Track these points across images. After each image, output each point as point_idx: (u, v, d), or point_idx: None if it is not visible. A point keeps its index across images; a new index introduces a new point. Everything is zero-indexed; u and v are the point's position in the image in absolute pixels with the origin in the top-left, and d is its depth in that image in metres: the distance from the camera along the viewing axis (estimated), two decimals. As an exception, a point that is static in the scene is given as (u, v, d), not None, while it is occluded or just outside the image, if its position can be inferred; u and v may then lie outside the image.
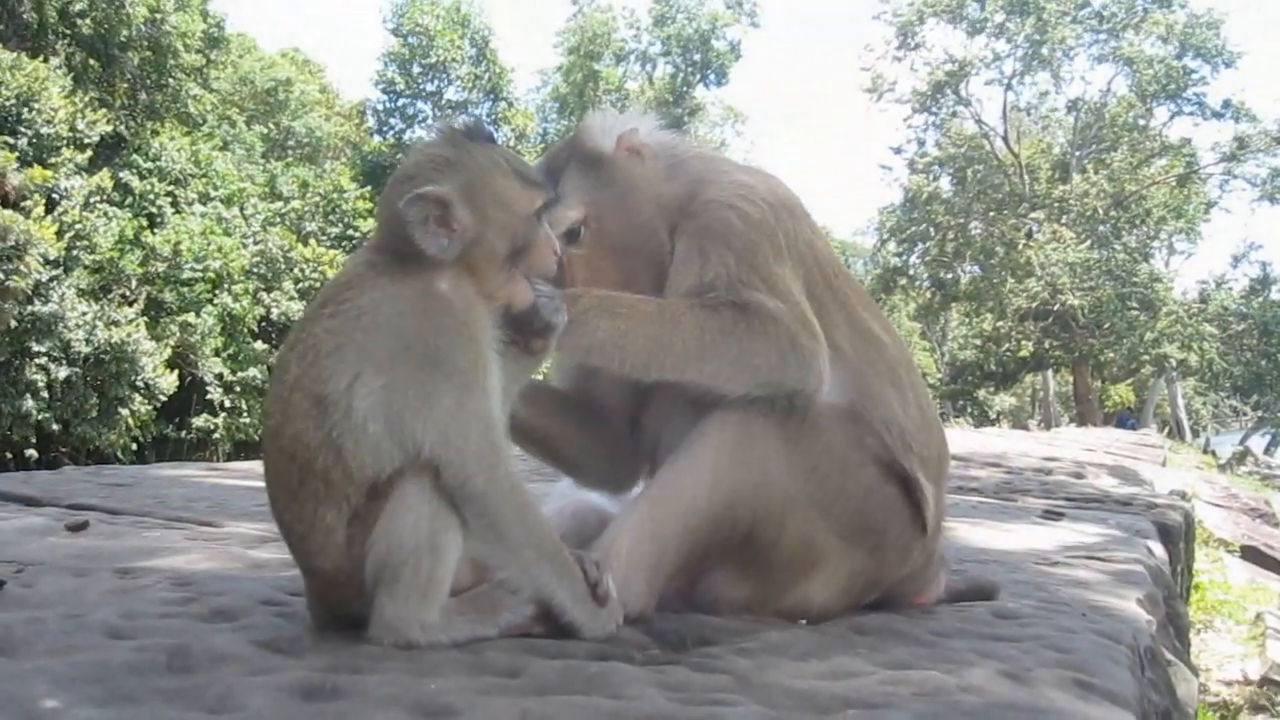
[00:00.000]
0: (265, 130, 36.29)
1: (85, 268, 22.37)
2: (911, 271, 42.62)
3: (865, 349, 2.35)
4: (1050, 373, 44.68)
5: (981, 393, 45.69)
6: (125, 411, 22.04)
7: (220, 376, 24.89)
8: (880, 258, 43.47)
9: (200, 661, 1.71)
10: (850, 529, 2.23)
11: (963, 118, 41.86)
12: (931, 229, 40.71)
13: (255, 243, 26.96)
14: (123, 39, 26.05)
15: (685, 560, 2.16)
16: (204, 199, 27.17)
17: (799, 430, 2.17)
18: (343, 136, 40.53)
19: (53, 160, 21.62)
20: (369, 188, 31.43)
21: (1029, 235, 38.30)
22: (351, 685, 1.61)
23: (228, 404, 25.07)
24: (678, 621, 2.12)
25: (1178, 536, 5.25)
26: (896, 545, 2.30)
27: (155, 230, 24.94)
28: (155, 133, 27.31)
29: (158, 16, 26.38)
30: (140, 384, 22.20)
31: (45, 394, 20.71)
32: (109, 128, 24.31)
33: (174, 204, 26.21)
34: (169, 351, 23.44)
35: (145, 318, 23.48)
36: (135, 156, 26.13)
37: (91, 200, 22.70)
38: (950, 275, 41.93)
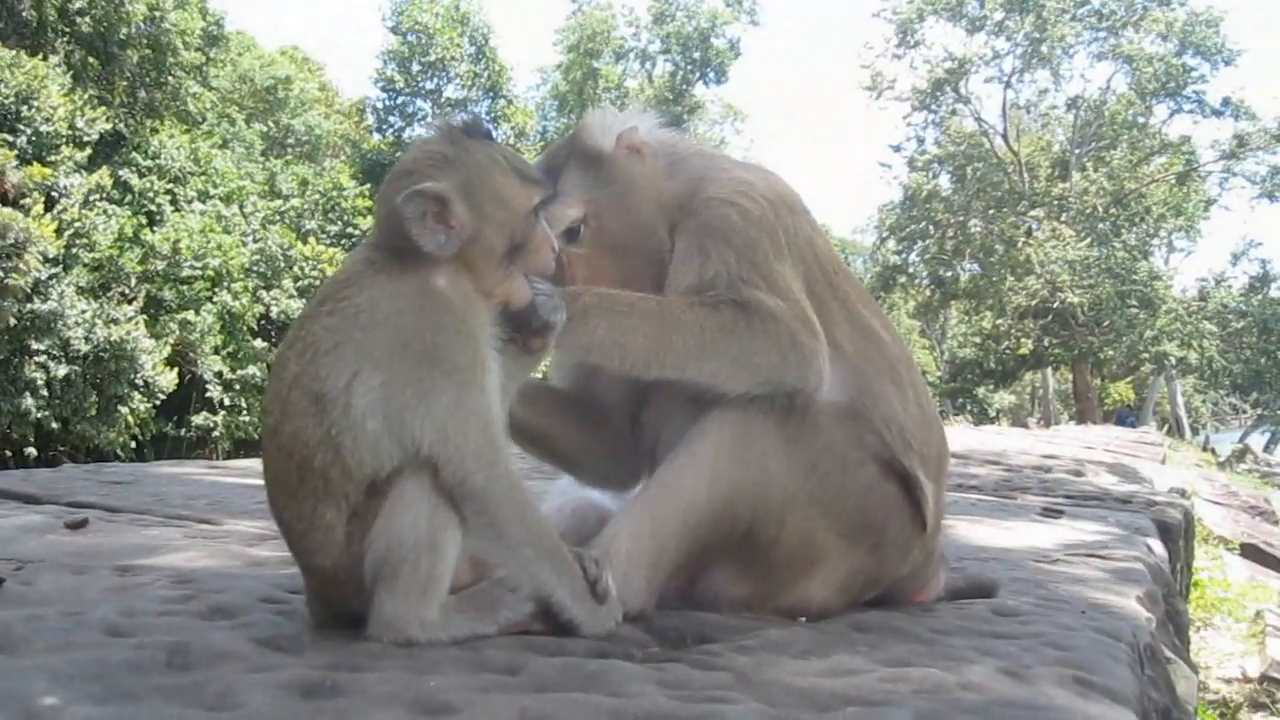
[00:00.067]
0: (265, 128, 36.26)
1: (84, 266, 22.37)
2: (911, 269, 42.65)
3: (865, 347, 2.35)
4: (1050, 370, 44.70)
5: (981, 390, 45.73)
6: (124, 409, 22.04)
7: (219, 374, 24.89)
8: (880, 255, 43.49)
9: (199, 659, 1.71)
10: (850, 527, 2.23)
11: (962, 115, 41.88)
12: (931, 227, 40.72)
13: (255, 241, 26.96)
14: (122, 37, 26.04)
15: (685, 558, 2.16)
16: (203, 197, 27.16)
17: (799, 428, 2.17)
18: (342, 134, 40.52)
19: (52, 158, 21.61)
20: (368, 186, 31.42)
21: (1028, 233, 38.31)
22: (351, 683, 1.61)
23: (227, 402, 25.08)
24: (677, 619, 2.12)
25: (1177, 534, 5.25)
26: (896, 543, 2.30)
27: (154, 228, 24.93)
28: (154, 130, 27.30)
29: (157, 14, 26.37)
30: (139, 382, 22.20)
31: (44, 392, 20.71)
32: (108, 125, 24.30)
33: (173, 202, 26.20)
34: (168, 349, 23.45)
35: (144, 316, 23.48)
36: (134, 154, 26.12)
37: (91, 198, 22.70)
38: (950, 273, 41.95)
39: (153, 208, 25.49)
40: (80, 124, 22.82)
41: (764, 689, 1.69)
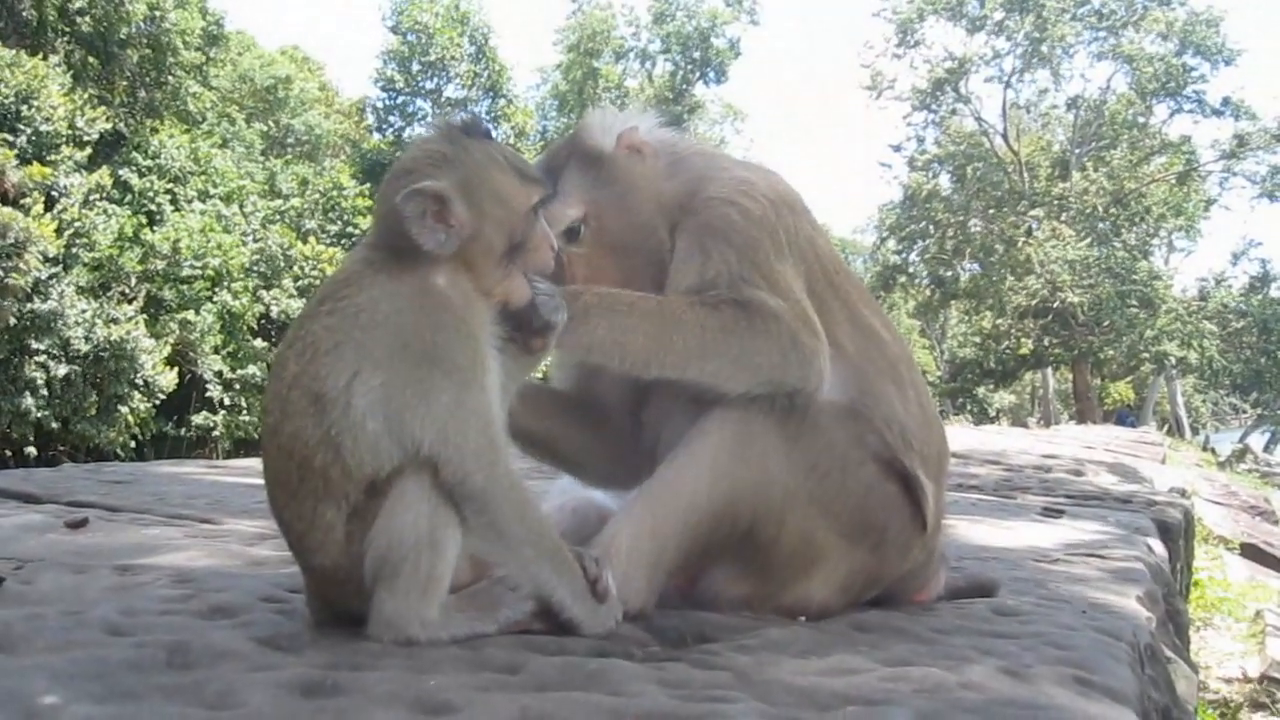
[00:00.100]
0: (265, 128, 36.25)
1: (84, 265, 22.37)
2: (911, 269, 42.65)
3: (866, 346, 2.35)
4: (1050, 370, 44.70)
5: (981, 390, 45.73)
6: (124, 409, 22.05)
7: (219, 374, 24.90)
8: (880, 255, 43.49)
9: (200, 658, 1.71)
10: (850, 526, 2.23)
11: (962, 115, 41.87)
12: (931, 226, 40.72)
13: (255, 240, 26.96)
14: (122, 36, 26.05)
15: (685, 557, 2.16)
16: (203, 196, 27.16)
17: (799, 427, 2.17)
18: (342, 134, 40.51)
19: (52, 158, 21.62)
20: (368, 185, 31.41)
21: (1028, 233, 38.31)
22: (351, 682, 1.61)
23: (227, 401, 25.09)
24: (677, 618, 2.12)
25: (1177, 534, 5.25)
26: (896, 543, 2.30)
27: (155, 228, 24.93)
28: (155, 130, 27.30)
29: (157, 14, 26.38)
30: (139, 381, 22.21)
31: (44, 391, 20.72)
32: (108, 125, 24.32)
33: (173, 201, 26.20)
34: (168, 349, 23.46)
35: (144, 315, 23.49)
36: (135, 154, 26.12)
37: (91, 198, 22.72)
38: (950, 273, 41.95)
39: (153, 207, 25.50)
40: (80, 123, 22.83)
41: (764, 688, 1.69)
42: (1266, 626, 7.49)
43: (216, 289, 25.32)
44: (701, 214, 2.29)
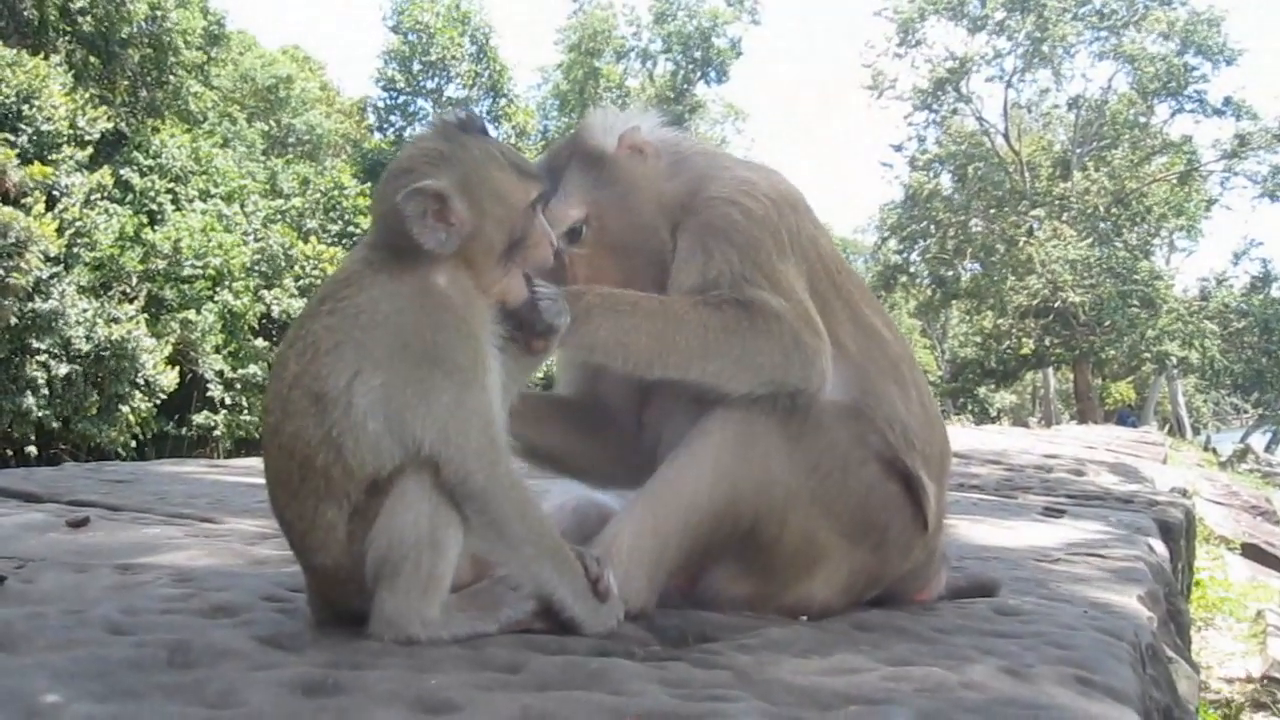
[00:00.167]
0: (266, 127, 36.25)
1: (86, 265, 22.37)
2: (912, 269, 42.65)
3: (868, 345, 2.34)
4: (1051, 370, 44.67)
5: (982, 390, 45.70)
6: (125, 408, 22.04)
7: (221, 373, 24.89)
8: (881, 255, 43.48)
9: (201, 657, 1.71)
10: (852, 526, 2.22)
11: (963, 115, 41.84)
12: (932, 226, 40.70)
13: (256, 240, 26.95)
14: (123, 36, 26.04)
15: (686, 557, 2.15)
16: (204, 196, 27.14)
17: (801, 427, 2.16)
18: (343, 134, 40.51)
19: (53, 157, 21.62)
20: (369, 185, 31.36)
21: (1030, 232, 38.28)
22: (352, 681, 1.61)
23: (228, 401, 25.08)
24: (679, 618, 2.12)
25: (1178, 534, 5.25)
26: (898, 542, 2.30)
27: (156, 227, 24.91)
28: (156, 130, 27.29)
29: (158, 14, 26.37)
30: (140, 381, 22.20)
31: (45, 391, 20.71)
32: (109, 125, 24.31)
33: (174, 201, 26.18)
34: (169, 348, 23.44)
35: (146, 315, 23.48)
36: (136, 153, 26.11)
37: (92, 197, 22.71)
38: (951, 273, 41.94)
39: (154, 207, 25.48)
40: (81, 123, 22.83)
41: (765, 687, 1.69)
42: (1268, 626, 7.49)
43: (217, 288, 25.31)
44: (703, 214, 2.29)
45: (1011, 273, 37.68)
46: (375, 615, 1.82)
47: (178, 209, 25.99)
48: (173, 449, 23.72)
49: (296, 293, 26.40)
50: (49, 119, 21.73)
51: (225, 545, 3.04)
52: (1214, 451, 32.94)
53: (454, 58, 38.15)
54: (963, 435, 13.39)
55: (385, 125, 40.44)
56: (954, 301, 43.80)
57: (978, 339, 42.96)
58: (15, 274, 18.98)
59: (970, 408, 46.73)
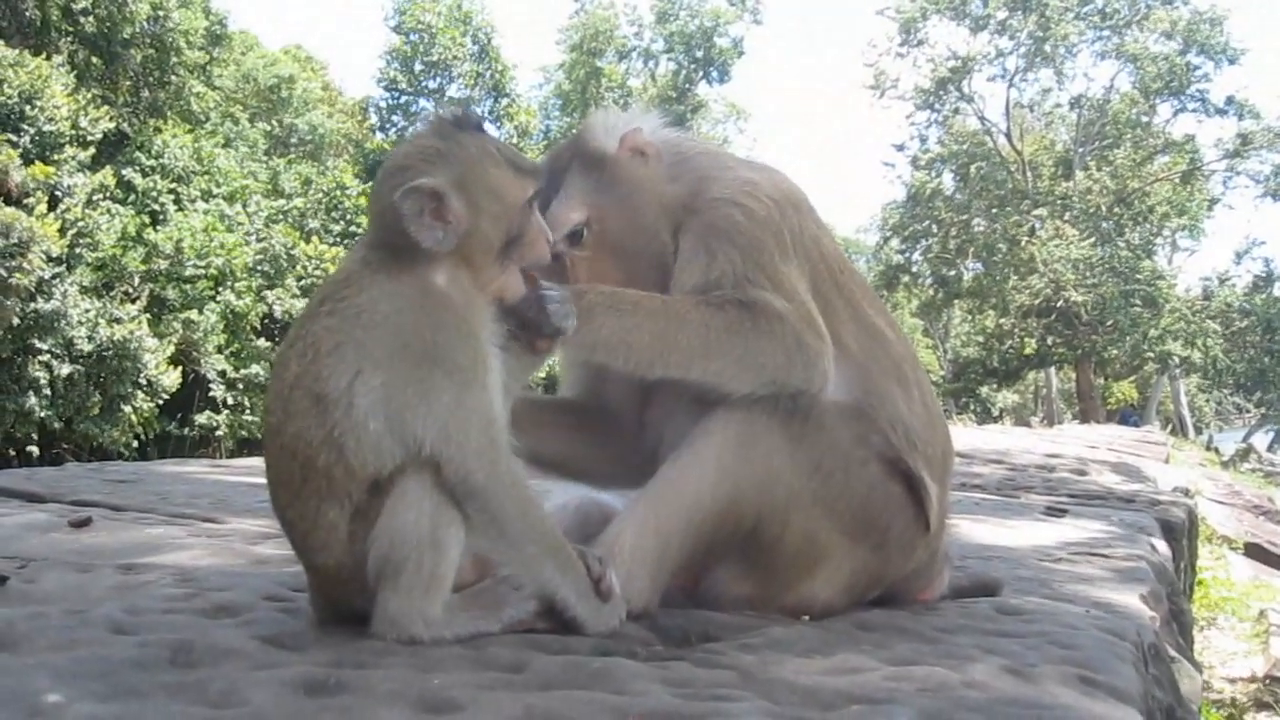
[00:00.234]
0: (268, 127, 36.28)
1: (88, 265, 22.40)
2: (914, 268, 42.66)
3: (870, 345, 2.34)
4: (1053, 370, 44.64)
5: (984, 390, 45.70)
6: (128, 408, 22.07)
7: (223, 373, 24.92)
8: (883, 255, 43.52)
9: (203, 657, 1.71)
10: (854, 526, 2.22)
11: (966, 114, 41.83)
12: (934, 226, 40.70)
13: (258, 240, 26.98)
14: (126, 36, 26.08)
15: (689, 556, 2.15)
16: (206, 196, 27.18)
17: (803, 427, 2.16)
18: (345, 134, 40.53)
19: (55, 157, 21.66)
20: (371, 185, 31.35)
21: (1032, 232, 38.27)
22: (355, 680, 1.61)
23: (230, 401, 25.11)
24: (681, 617, 2.12)
25: (1181, 533, 5.25)
26: (900, 542, 2.30)
27: (158, 227, 24.95)
28: (158, 130, 27.33)
29: (160, 14, 26.42)
30: (143, 381, 22.23)
31: (48, 391, 20.75)
32: (112, 125, 24.36)
33: (176, 201, 26.22)
34: (171, 348, 23.47)
35: (148, 315, 23.51)
36: (138, 154, 26.15)
37: (94, 197, 22.75)
38: (953, 272, 41.92)
39: (156, 207, 25.52)
40: (84, 123, 22.88)
41: (768, 687, 1.69)
42: (1270, 626, 7.48)
43: (220, 288, 25.34)
44: (706, 214, 2.28)
45: (1014, 272, 37.67)
46: (378, 615, 1.82)
47: (180, 209, 26.03)
48: (175, 449, 23.74)
49: (299, 293, 26.41)
50: (51, 119, 21.76)
51: (227, 545, 3.04)
52: (1216, 451, 32.92)
53: (456, 58, 38.18)
54: (965, 435, 13.39)
55: (387, 125, 40.49)
56: (956, 301, 43.79)
57: (980, 338, 42.94)
58: (18, 274, 19.01)
59: (973, 407, 46.74)
